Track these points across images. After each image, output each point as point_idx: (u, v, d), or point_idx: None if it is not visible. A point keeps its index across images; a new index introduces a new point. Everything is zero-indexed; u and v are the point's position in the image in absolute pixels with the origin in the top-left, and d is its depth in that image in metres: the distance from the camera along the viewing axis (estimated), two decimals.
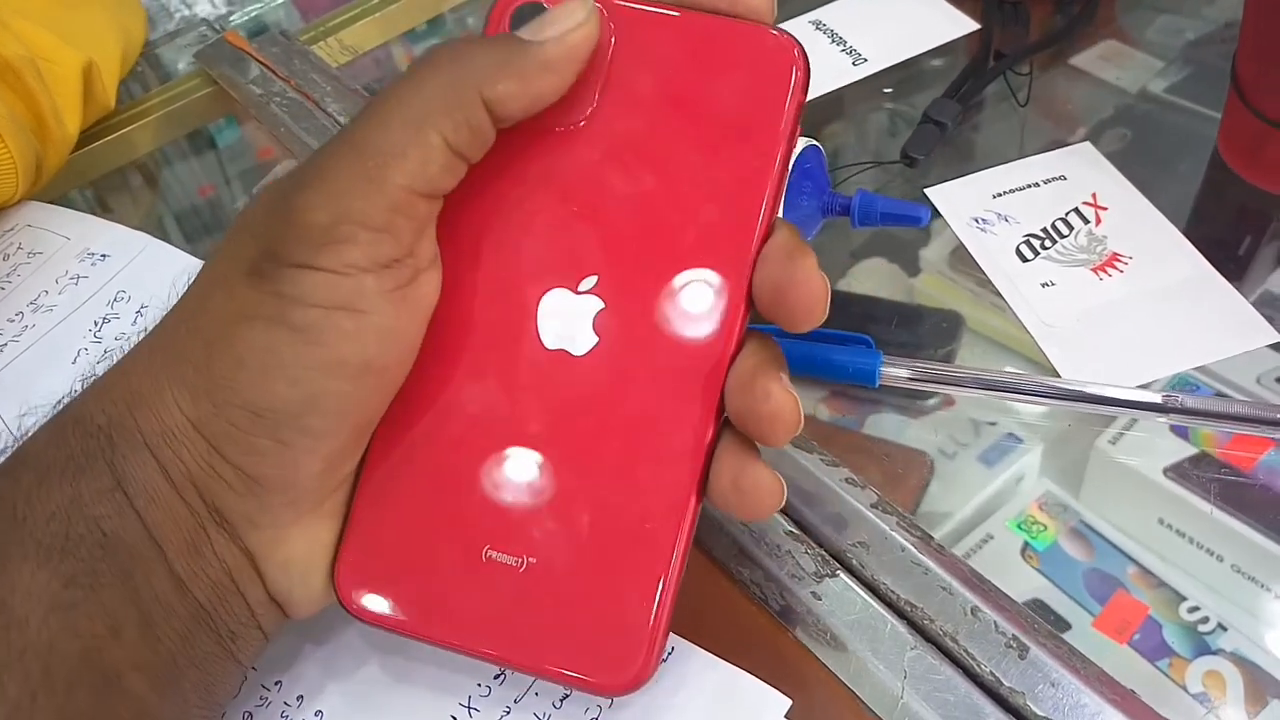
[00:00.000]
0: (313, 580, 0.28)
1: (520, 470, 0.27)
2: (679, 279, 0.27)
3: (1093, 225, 0.46)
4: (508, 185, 0.28)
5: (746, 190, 0.27)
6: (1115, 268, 0.45)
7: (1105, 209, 0.47)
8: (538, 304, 0.28)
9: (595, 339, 0.27)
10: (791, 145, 0.27)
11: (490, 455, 0.28)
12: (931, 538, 0.33)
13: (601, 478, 0.27)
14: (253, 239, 0.26)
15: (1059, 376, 0.41)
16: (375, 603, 0.28)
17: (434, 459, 0.28)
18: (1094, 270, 0.45)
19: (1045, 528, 0.39)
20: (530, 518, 0.27)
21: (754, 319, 0.27)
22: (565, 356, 0.27)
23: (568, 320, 0.27)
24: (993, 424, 0.42)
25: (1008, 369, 0.43)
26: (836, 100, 0.56)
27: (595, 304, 0.27)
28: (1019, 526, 0.39)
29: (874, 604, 0.31)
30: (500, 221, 0.28)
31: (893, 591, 0.32)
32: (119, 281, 0.45)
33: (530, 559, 0.27)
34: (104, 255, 0.46)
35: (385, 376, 0.26)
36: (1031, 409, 0.41)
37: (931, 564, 0.32)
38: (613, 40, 0.27)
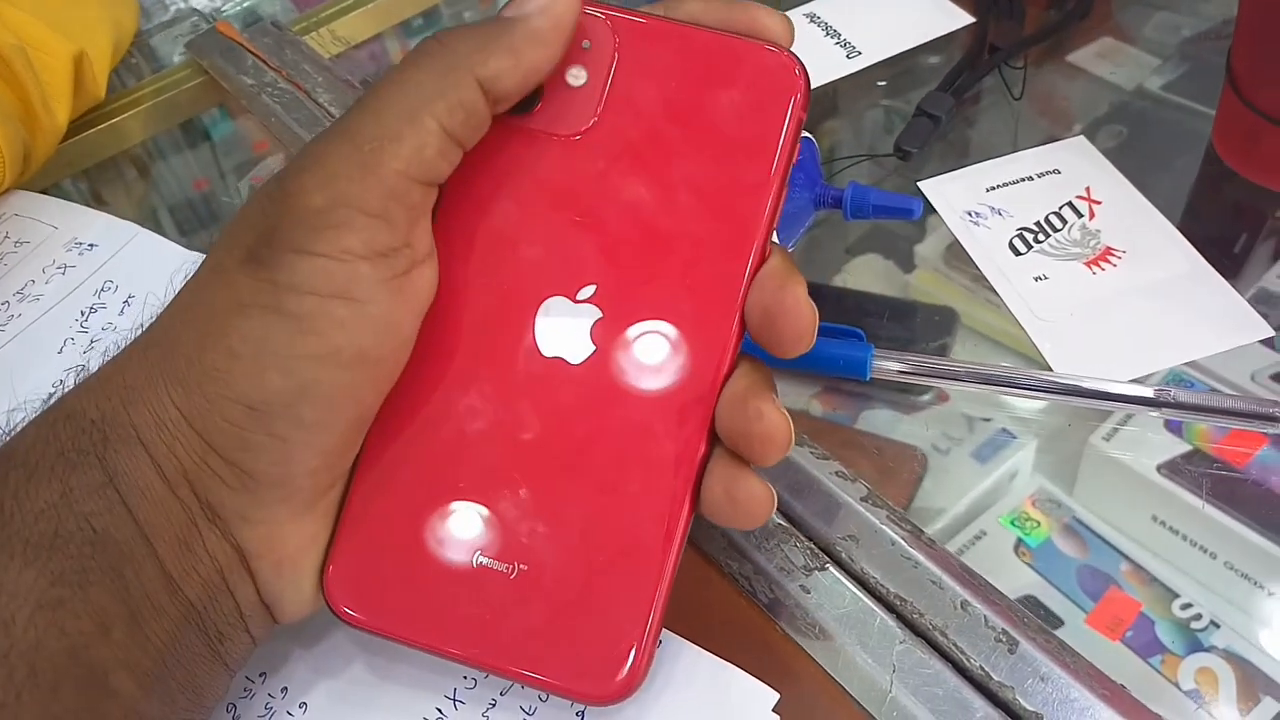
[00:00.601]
0: (303, 582, 0.27)
1: (513, 477, 0.27)
2: (676, 294, 0.27)
3: (1086, 219, 0.46)
4: (510, 191, 0.28)
5: (744, 211, 0.27)
6: (1109, 261, 0.44)
7: (1099, 203, 0.47)
8: (536, 310, 0.27)
9: (592, 348, 0.27)
10: (790, 165, 0.27)
11: (483, 461, 0.27)
12: (922, 532, 0.33)
13: (594, 487, 0.27)
14: (249, 228, 0.26)
15: (1049, 370, 0.40)
16: (364, 608, 0.27)
17: (426, 463, 0.28)
18: (1087, 264, 0.44)
19: (1038, 524, 0.39)
20: (522, 524, 0.27)
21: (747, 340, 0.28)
22: (561, 364, 0.27)
23: (565, 328, 0.27)
24: (986, 420, 0.42)
25: (994, 362, 0.42)
26: (830, 93, 0.56)
27: (593, 313, 0.27)
28: (1012, 523, 0.39)
29: (863, 597, 0.31)
30: (502, 227, 0.28)
31: (882, 585, 0.31)
32: (107, 271, 0.44)
33: (521, 566, 0.27)
34: (92, 245, 0.46)
35: (379, 368, 0.26)
36: (1025, 405, 0.41)
37: (921, 558, 0.32)
38: (616, 53, 0.27)
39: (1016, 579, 0.37)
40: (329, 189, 0.25)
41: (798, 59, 0.27)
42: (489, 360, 0.28)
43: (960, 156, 0.51)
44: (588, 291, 0.27)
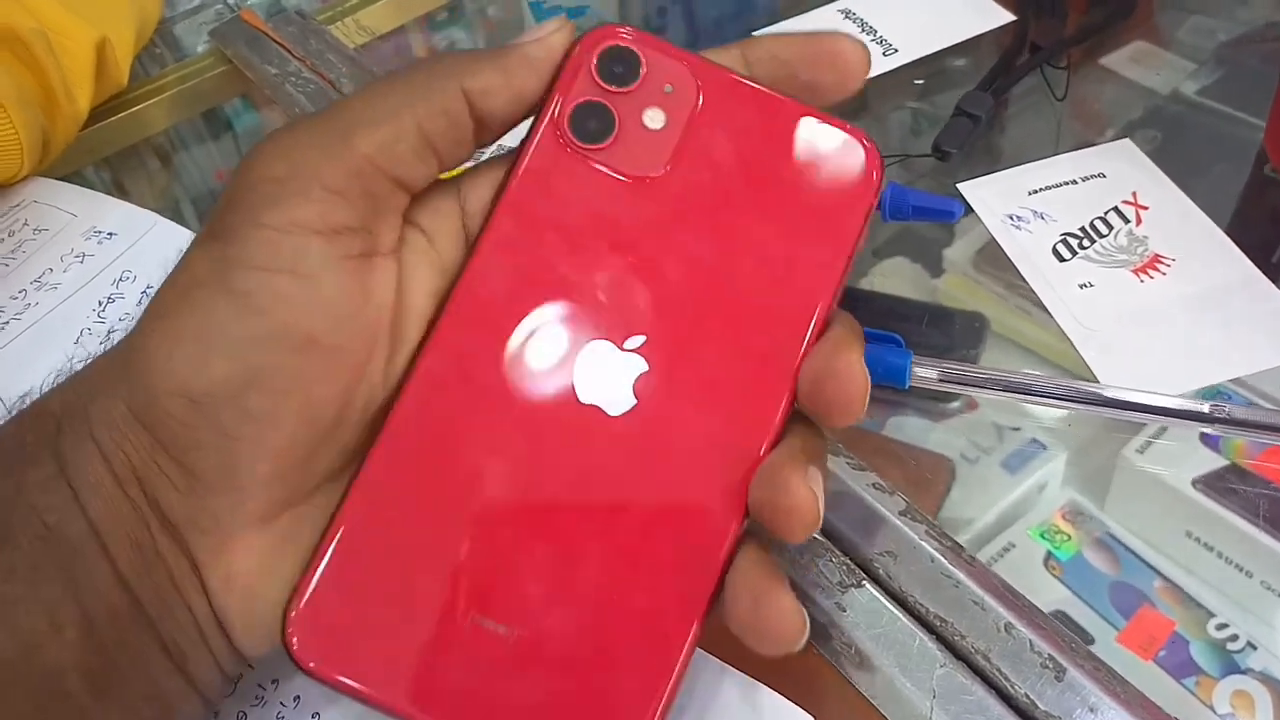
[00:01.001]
0: (256, 607, 0.25)
1: (524, 530, 0.25)
2: (728, 359, 0.26)
3: (1133, 225, 0.45)
4: (568, 223, 0.26)
5: (809, 287, 0.26)
6: (1157, 269, 0.43)
7: (1146, 208, 0.46)
8: (579, 352, 0.26)
9: (633, 401, 0.26)
10: (857, 250, 0.26)
11: (494, 507, 0.25)
12: (962, 548, 0.32)
13: (613, 553, 0.25)
14: (217, 207, 0.25)
15: (1095, 381, 0.39)
16: (331, 657, 0.24)
17: (429, 501, 0.25)
18: (1135, 272, 0.44)
19: (1069, 537, 0.38)
20: (528, 585, 0.25)
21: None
22: (598, 414, 0.26)
23: (607, 376, 0.26)
24: (1016, 429, 0.41)
25: (1037, 373, 0.42)
26: (864, 92, 0.55)
27: (639, 365, 0.26)
28: (1042, 535, 0.38)
29: (902, 617, 0.30)
30: (553, 258, 0.26)
31: (921, 605, 0.30)
32: (125, 261, 0.44)
33: (521, 631, 0.25)
34: (111, 233, 0.45)
35: (333, 358, 0.25)
36: (1056, 414, 0.41)
37: (962, 576, 0.31)
38: (697, 103, 0.27)
39: (1046, 594, 0.37)
40: (290, 158, 0.25)
41: (877, 149, 0.27)
42: (517, 397, 0.26)
43: (996, 159, 0.51)
44: (636, 341, 0.26)
